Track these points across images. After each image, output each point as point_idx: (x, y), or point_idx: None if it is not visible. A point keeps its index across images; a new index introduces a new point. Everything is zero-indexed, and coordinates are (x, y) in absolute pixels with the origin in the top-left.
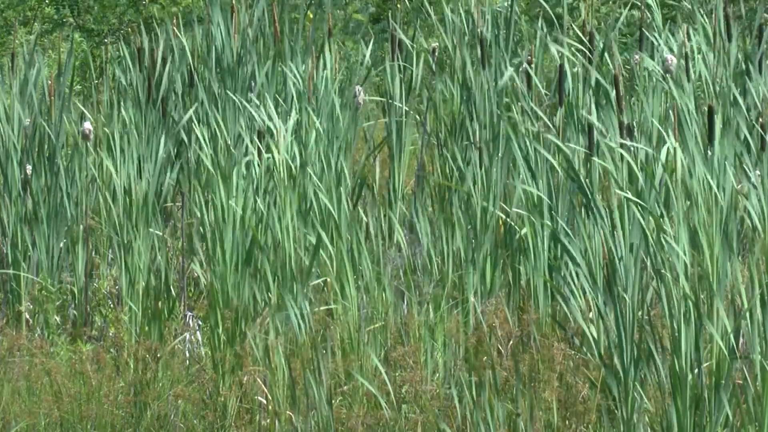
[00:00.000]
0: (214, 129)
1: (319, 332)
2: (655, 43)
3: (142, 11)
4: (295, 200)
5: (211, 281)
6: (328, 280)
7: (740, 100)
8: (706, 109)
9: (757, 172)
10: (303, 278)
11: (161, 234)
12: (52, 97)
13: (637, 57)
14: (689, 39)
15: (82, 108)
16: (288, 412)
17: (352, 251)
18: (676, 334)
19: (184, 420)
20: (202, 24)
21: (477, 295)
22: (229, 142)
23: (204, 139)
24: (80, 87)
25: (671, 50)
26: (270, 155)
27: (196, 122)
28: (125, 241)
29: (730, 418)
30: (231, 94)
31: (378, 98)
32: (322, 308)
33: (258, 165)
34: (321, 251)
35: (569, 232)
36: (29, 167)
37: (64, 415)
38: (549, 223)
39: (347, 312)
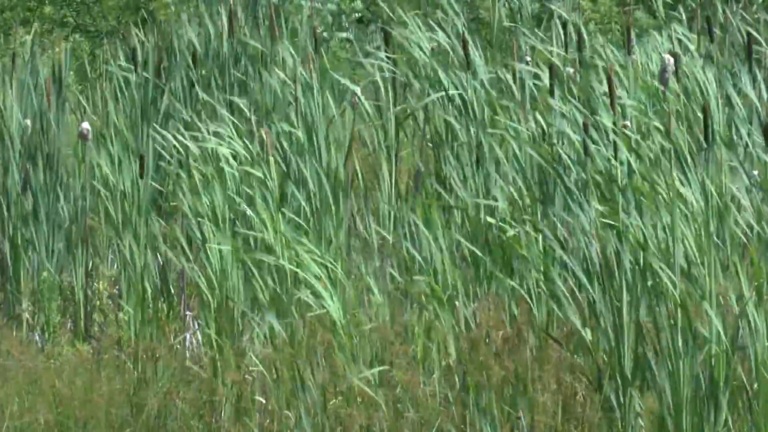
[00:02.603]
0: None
1: (314, 333)
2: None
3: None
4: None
5: (204, 282)
6: (321, 280)
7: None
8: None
9: (756, 172)
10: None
11: (160, 234)
12: (50, 97)
13: (634, 57)
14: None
15: (85, 105)
16: (285, 411)
17: (341, 252)
18: (673, 336)
19: (182, 419)
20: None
21: (471, 296)
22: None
23: (183, 151)
24: (80, 86)
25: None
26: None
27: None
28: (124, 241)
29: (729, 419)
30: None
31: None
32: (316, 309)
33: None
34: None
35: (563, 232)
36: (30, 167)
37: (62, 418)
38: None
39: (340, 313)
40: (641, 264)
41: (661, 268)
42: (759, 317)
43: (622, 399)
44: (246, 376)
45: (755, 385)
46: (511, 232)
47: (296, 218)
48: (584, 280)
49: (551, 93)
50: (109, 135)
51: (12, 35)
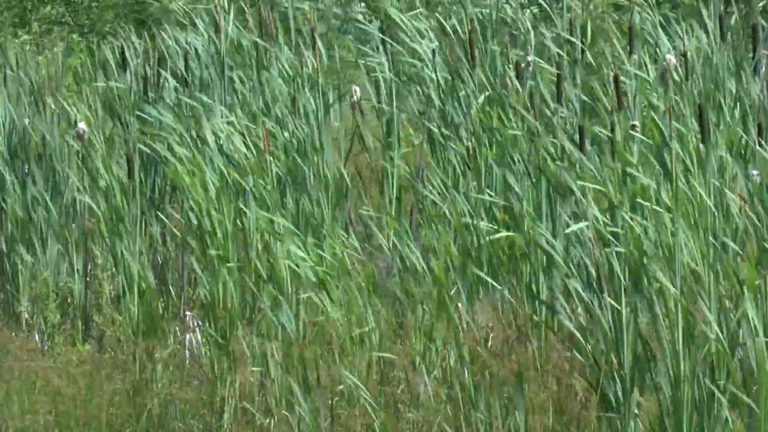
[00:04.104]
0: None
1: (314, 334)
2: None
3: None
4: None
5: (203, 283)
6: (323, 282)
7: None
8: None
9: (755, 171)
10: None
11: (158, 234)
12: (46, 98)
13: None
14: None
15: (81, 105)
16: (285, 412)
17: (336, 254)
18: (672, 336)
19: (182, 420)
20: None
21: (471, 297)
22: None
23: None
24: (77, 87)
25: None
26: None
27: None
28: (122, 241)
29: (729, 419)
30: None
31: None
32: (315, 309)
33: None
34: (312, 254)
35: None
36: (26, 167)
37: (62, 418)
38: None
39: (340, 314)
40: (641, 264)
41: (661, 268)
42: (758, 317)
43: (621, 399)
44: (245, 377)
45: (755, 387)
46: (501, 235)
47: (296, 219)
48: (579, 288)
49: (558, 93)
50: (103, 136)
51: (3, 36)
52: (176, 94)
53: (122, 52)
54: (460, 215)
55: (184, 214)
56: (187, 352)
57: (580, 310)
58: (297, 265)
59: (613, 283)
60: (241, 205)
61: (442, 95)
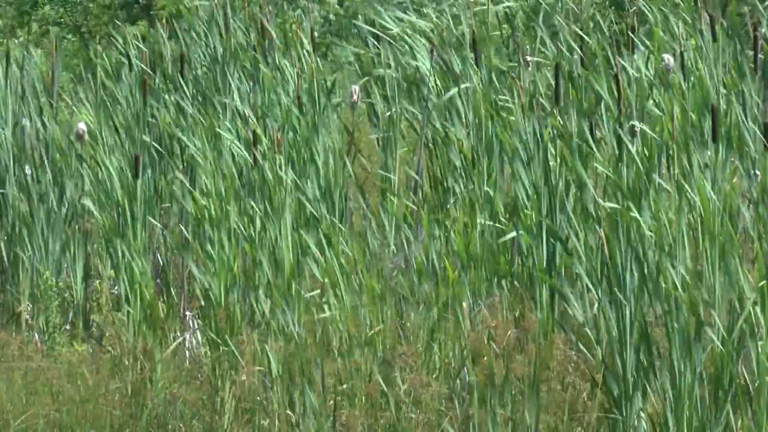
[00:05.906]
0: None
1: (316, 332)
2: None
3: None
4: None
5: (204, 283)
6: (325, 281)
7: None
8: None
9: (756, 172)
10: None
11: (158, 233)
12: (50, 96)
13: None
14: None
15: (80, 105)
16: (287, 412)
17: (338, 253)
18: (675, 336)
19: (182, 420)
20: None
21: (475, 296)
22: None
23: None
24: (75, 87)
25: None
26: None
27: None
28: (122, 241)
29: (731, 420)
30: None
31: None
32: (318, 308)
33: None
34: (315, 253)
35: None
36: (27, 168)
37: (62, 418)
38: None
39: (344, 313)
40: (646, 263)
41: (669, 266)
42: (763, 316)
43: (624, 399)
44: (246, 377)
45: (756, 383)
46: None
47: (300, 218)
48: (587, 281)
49: (556, 92)
50: (103, 136)
51: (3, 36)
52: (177, 94)
53: (122, 53)
54: (462, 213)
55: (184, 213)
56: (187, 352)
57: (587, 307)
58: (300, 264)
59: (618, 280)
60: (238, 208)
61: (440, 93)
